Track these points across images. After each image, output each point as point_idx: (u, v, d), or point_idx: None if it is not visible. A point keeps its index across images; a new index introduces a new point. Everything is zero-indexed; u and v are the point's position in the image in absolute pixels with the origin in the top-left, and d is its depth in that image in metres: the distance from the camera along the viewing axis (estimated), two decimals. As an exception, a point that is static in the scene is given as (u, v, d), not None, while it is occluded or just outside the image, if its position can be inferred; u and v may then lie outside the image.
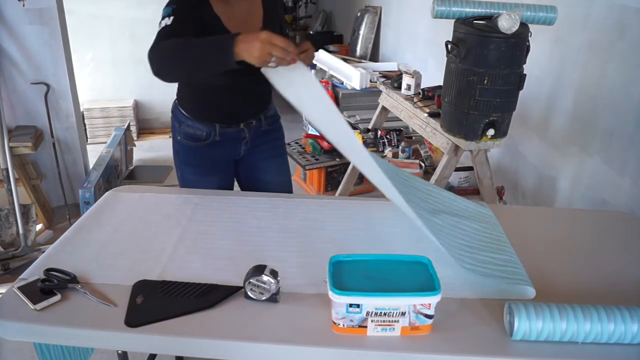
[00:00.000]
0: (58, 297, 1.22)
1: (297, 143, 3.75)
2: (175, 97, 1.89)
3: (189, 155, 1.87)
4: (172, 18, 1.49)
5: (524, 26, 2.06)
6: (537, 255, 1.48)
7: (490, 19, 2.08)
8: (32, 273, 1.31)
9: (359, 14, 5.51)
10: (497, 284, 1.29)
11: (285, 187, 2.01)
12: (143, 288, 1.27)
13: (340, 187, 3.42)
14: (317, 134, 3.76)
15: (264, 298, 1.21)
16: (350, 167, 3.33)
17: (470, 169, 2.77)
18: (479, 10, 2.12)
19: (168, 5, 1.56)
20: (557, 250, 1.52)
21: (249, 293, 1.21)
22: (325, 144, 3.63)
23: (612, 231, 1.66)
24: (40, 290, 1.23)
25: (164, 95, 4.85)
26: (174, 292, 1.25)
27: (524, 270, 1.34)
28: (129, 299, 1.23)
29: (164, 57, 1.46)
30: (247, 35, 1.32)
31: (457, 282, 1.33)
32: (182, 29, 1.49)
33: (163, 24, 1.51)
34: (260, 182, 1.96)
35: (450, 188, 2.78)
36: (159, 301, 1.23)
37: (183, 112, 1.84)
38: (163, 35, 1.49)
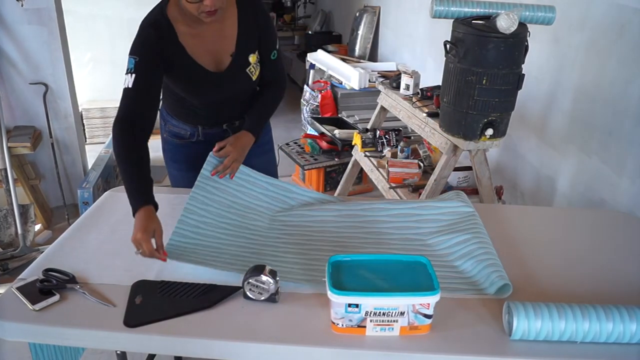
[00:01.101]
0: (57, 297, 1.22)
1: (295, 143, 3.75)
2: None
3: (174, 152, 1.91)
4: (133, 77, 1.51)
5: (522, 26, 2.06)
6: (535, 255, 1.48)
7: (489, 18, 2.09)
8: (31, 273, 1.31)
9: (357, 14, 5.51)
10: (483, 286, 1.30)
11: None
12: (142, 288, 1.27)
13: (339, 187, 3.42)
14: (316, 133, 3.76)
15: (262, 298, 1.21)
16: (349, 167, 3.33)
17: (469, 168, 2.77)
18: (478, 10, 2.12)
19: (130, 54, 1.55)
20: (555, 250, 1.52)
21: (247, 293, 1.22)
22: (324, 144, 3.63)
23: (610, 231, 1.66)
24: (39, 291, 1.23)
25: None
26: (172, 292, 1.25)
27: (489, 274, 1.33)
28: (128, 299, 1.23)
29: (119, 148, 1.48)
30: (138, 222, 1.33)
31: (456, 282, 1.33)
32: (144, 88, 1.53)
33: (126, 82, 1.52)
34: None
35: (449, 188, 2.78)
36: (158, 301, 1.23)
37: (167, 112, 1.86)
38: (126, 98, 1.52)
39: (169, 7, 1.61)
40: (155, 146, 4.90)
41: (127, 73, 1.53)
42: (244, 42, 1.68)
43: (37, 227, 3.13)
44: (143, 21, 1.63)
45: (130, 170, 1.43)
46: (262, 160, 1.97)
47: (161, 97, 1.85)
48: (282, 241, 1.49)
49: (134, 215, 1.35)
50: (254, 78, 1.72)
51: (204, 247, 1.42)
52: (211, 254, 1.39)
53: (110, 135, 3.74)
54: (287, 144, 3.72)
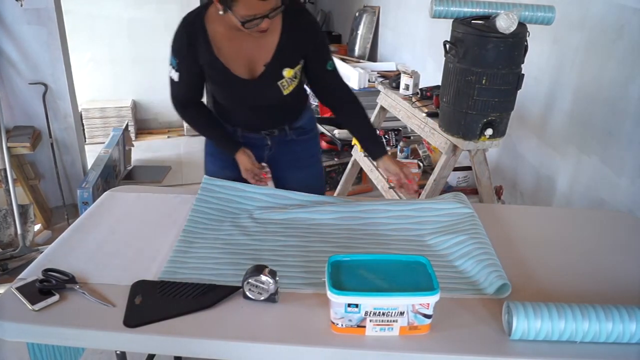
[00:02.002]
0: (56, 297, 1.22)
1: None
2: None
3: (214, 147, 1.93)
4: (177, 74, 1.67)
5: (522, 26, 2.06)
6: (535, 255, 1.48)
7: (489, 18, 2.09)
8: (31, 273, 1.31)
9: (357, 14, 5.51)
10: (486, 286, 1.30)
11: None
12: (141, 288, 1.27)
13: (339, 187, 3.42)
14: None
15: (262, 298, 1.21)
16: (348, 167, 3.33)
17: (468, 168, 2.77)
18: (477, 10, 2.12)
19: (171, 52, 1.66)
20: (555, 250, 1.52)
21: (247, 293, 1.21)
22: (323, 144, 3.63)
23: (610, 231, 1.66)
24: (38, 291, 1.23)
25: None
26: (172, 292, 1.25)
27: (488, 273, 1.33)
28: (128, 299, 1.23)
29: (189, 123, 1.89)
30: (243, 160, 1.76)
31: (456, 282, 1.33)
32: (189, 82, 1.71)
33: (171, 76, 1.69)
34: (287, 189, 1.90)
35: (449, 188, 2.78)
36: (158, 301, 1.23)
37: (212, 108, 1.88)
38: (174, 87, 1.73)
39: (210, 8, 1.60)
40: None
41: (170, 66, 1.68)
42: (282, 54, 1.65)
43: (37, 227, 3.13)
44: (179, 23, 1.66)
45: (210, 132, 1.84)
46: (308, 173, 1.98)
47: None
48: (280, 244, 1.48)
49: (233, 157, 1.76)
50: (284, 92, 1.70)
51: (201, 260, 1.40)
52: (210, 266, 1.38)
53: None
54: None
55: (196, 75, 1.69)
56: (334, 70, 1.75)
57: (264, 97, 1.73)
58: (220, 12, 1.49)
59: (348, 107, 1.79)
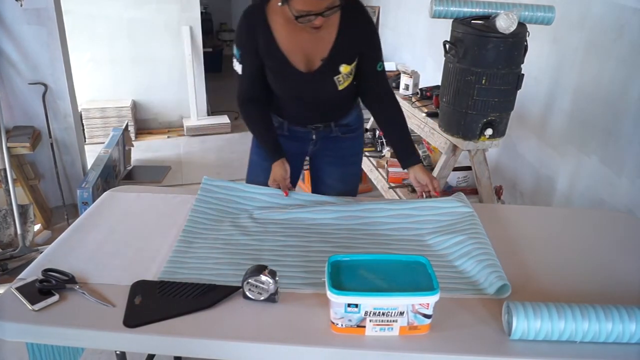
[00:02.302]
0: (56, 297, 1.22)
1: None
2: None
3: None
4: (241, 66, 1.71)
5: (521, 26, 2.06)
6: (535, 255, 1.48)
7: (488, 18, 2.09)
8: (30, 273, 1.31)
9: (357, 14, 5.51)
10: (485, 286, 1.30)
11: (344, 194, 1.98)
12: (141, 288, 1.27)
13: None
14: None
15: (262, 298, 1.21)
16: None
17: (468, 168, 2.78)
18: (477, 10, 2.12)
19: (235, 44, 1.71)
20: (555, 250, 1.52)
21: (247, 293, 1.21)
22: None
23: (609, 231, 1.66)
24: (38, 291, 1.23)
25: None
26: (172, 292, 1.25)
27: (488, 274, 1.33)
28: (128, 299, 1.23)
29: (245, 120, 1.82)
30: (275, 167, 1.74)
31: (456, 282, 1.33)
32: (251, 75, 1.74)
33: (236, 68, 1.74)
34: (323, 185, 2.00)
35: (449, 188, 2.78)
36: (157, 301, 1.23)
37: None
38: (240, 82, 1.77)
39: (271, 1, 1.63)
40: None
41: (234, 59, 1.72)
42: (339, 50, 1.67)
43: (37, 227, 3.12)
44: (242, 14, 1.69)
45: (261, 133, 1.80)
46: (346, 171, 2.00)
47: None
48: (280, 244, 1.48)
49: (272, 163, 1.74)
50: (340, 87, 1.72)
51: (201, 260, 1.40)
52: (209, 266, 1.38)
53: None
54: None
55: (258, 67, 1.71)
56: (383, 71, 1.77)
57: (319, 90, 1.75)
58: (279, 4, 1.52)
59: (389, 112, 1.80)
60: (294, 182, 1.95)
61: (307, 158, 2.01)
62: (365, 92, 1.82)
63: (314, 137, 1.89)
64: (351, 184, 2.02)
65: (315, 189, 2.03)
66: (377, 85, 1.78)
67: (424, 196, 1.73)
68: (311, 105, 1.81)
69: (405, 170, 1.78)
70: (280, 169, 1.72)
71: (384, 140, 3.40)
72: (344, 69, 1.68)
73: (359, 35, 1.68)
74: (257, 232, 1.54)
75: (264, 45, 1.66)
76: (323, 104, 1.81)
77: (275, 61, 1.68)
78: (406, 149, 1.78)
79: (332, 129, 1.88)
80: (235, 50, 1.71)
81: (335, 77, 1.69)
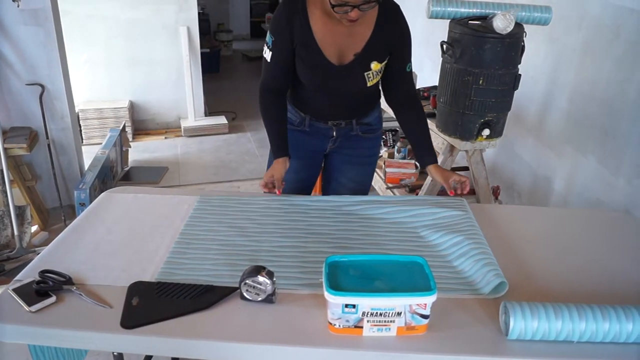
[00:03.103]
0: (53, 298, 1.21)
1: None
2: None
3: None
4: (270, 54, 1.71)
5: (518, 26, 2.06)
6: (532, 255, 1.48)
7: (485, 19, 2.09)
8: (27, 275, 1.31)
9: (354, 15, 5.51)
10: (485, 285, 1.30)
11: (356, 193, 1.99)
12: (139, 289, 1.27)
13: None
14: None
15: (259, 299, 1.21)
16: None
17: (465, 169, 2.78)
18: (474, 10, 2.12)
19: (269, 31, 1.70)
20: (552, 250, 1.53)
21: (244, 294, 1.21)
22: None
23: (607, 231, 1.66)
24: (35, 292, 1.23)
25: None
26: (169, 293, 1.25)
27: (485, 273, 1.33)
28: (125, 300, 1.23)
29: (261, 110, 1.81)
30: (275, 163, 1.74)
31: (453, 282, 1.33)
32: (280, 62, 1.72)
33: (265, 56, 1.74)
34: (336, 183, 2.01)
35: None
36: (155, 302, 1.22)
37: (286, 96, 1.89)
38: (266, 69, 1.76)
39: None
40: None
41: (266, 46, 1.72)
42: (373, 47, 1.68)
43: (34, 228, 3.12)
44: (282, 1, 1.70)
45: (273, 126, 1.79)
46: (361, 171, 2.01)
47: None
48: (278, 244, 1.48)
49: (275, 158, 1.74)
50: (369, 84, 1.73)
51: (198, 262, 1.40)
52: (207, 267, 1.38)
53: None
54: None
55: (288, 57, 1.70)
56: (411, 72, 1.80)
57: (348, 85, 1.75)
58: None
59: (411, 112, 1.82)
60: (312, 179, 2.00)
61: None
62: (391, 91, 1.83)
63: (334, 134, 1.89)
64: (364, 184, 2.04)
65: (327, 187, 2.04)
66: (403, 86, 1.80)
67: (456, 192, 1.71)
68: (337, 99, 1.81)
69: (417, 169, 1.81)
70: (281, 167, 1.73)
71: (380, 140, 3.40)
72: (375, 66, 1.69)
73: (394, 35, 1.70)
74: (254, 232, 1.54)
75: (300, 35, 1.66)
76: (349, 99, 1.83)
77: (309, 51, 1.68)
78: (423, 149, 1.79)
79: (353, 126, 1.88)
80: (268, 37, 1.70)
81: (365, 73, 1.70)
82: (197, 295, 1.25)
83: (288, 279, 1.32)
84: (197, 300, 1.23)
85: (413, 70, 1.85)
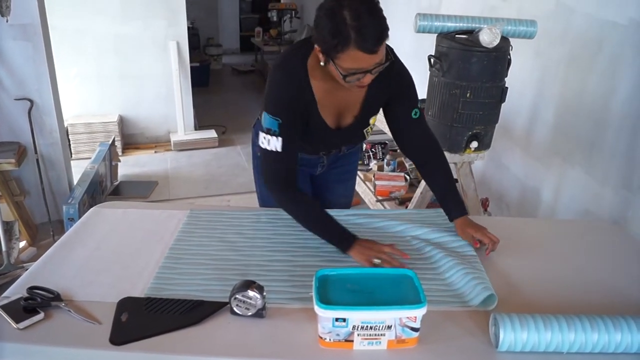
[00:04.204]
0: (41, 315, 1.20)
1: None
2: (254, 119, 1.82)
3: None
4: (280, 140, 1.46)
5: (505, 40, 2.09)
6: (521, 266, 1.49)
7: (472, 33, 2.12)
8: (15, 291, 1.30)
9: (343, 29, 5.55)
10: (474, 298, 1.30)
11: (343, 207, 2.00)
12: (128, 305, 1.26)
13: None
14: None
15: (250, 313, 1.21)
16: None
17: (454, 181, 2.79)
18: (461, 24, 2.15)
19: (273, 114, 1.45)
20: (541, 261, 1.54)
21: (234, 309, 1.21)
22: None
23: (594, 241, 1.68)
24: (23, 309, 1.21)
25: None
26: (159, 309, 1.24)
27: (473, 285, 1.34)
28: (114, 316, 1.22)
29: (293, 215, 1.55)
30: (362, 245, 1.44)
31: (444, 295, 1.34)
32: (292, 146, 1.49)
33: (272, 145, 1.47)
34: (324, 201, 1.95)
35: (435, 201, 2.80)
36: (144, 318, 1.22)
37: None
38: (277, 162, 1.49)
39: (310, 58, 1.48)
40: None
41: (270, 134, 1.46)
42: (370, 105, 1.60)
43: (22, 244, 3.09)
44: (282, 71, 1.50)
45: (322, 224, 1.52)
46: (346, 186, 2.02)
47: (258, 117, 1.75)
48: (267, 259, 1.48)
49: (346, 251, 1.46)
50: (367, 137, 1.71)
51: (188, 277, 1.39)
52: (197, 282, 1.37)
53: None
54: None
55: (298, 133, 1.52)
56: (420, 118, 1.63)
57: (347, 142, 1.75)
58: (322, 63, 1.39)
59: (432, 163, 1.67)
60: None
61: None
62: (404, 144, 1.69)
63: (324, 161, 1.84)
64: (350, 196, 2.05)
65: None
66: (416, 136, 1.65)
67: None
68: (333, 148, 1.78)
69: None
70: (365, 250, 1.44)
71: (370, 153, 3.41)
72: (372, 120, 1.64)
73: (389, 87, 1.57)
74: (244, 247, 1.54)
75: (305, 106, 1.51)
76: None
77: (311, 120, 1.55)
78: (450, 200, 1.63)
79: (342, 149, 1.82)
80: (270, 121, 1.46)
81: (364, 130, 1.65)
82: (186, 310, 1.24)
83: (278, 293, 1.31)
84: (186, 316, 1.22)
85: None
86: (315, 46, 1.37)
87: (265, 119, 1.47)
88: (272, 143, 1.47)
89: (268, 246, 1.54)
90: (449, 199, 1.63)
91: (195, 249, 1.52)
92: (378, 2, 1.34)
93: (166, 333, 1.17)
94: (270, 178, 1.54)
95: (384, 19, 1.32)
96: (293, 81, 1.48)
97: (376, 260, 1.39)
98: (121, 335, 1.16)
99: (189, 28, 4.93)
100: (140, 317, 1.22)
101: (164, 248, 1.52)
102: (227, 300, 1.22)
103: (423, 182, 2.43)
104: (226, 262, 1.46)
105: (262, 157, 1.53)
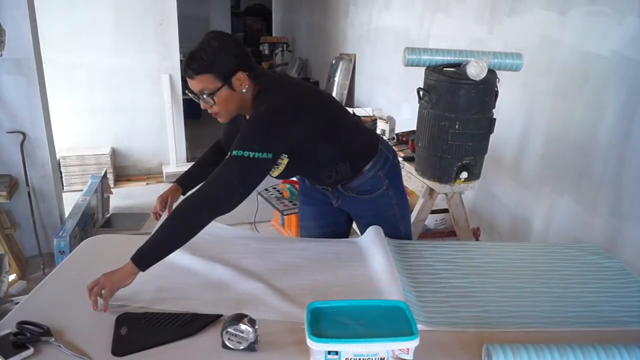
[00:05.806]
0: (31, 351, 1.19)
1: (274, 189, 3.76)
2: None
3: (304, 184, 1.99)
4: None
5: (491, 72, 2.14)
6: (514, 292, 1.50)
7: (459, 66, 2.16)
8: (4, 326, 1.28)
9: (334, 61, 5.64)
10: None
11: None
12: (127, 320, 1.31)
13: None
14: (295, 179, 3.78)
15: (242, 347, 1.20)
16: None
17: (445, 211, 2.81)
18: (448, 58, 2.20)
19: (269, 147, 1.51)
20: (530, 286, 1.54)
21: (226, 342, 1.20)
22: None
23: (585, 268, 1.68)
24: (12, 344, 1.20)
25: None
26: (156, 322, 1.30)
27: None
28: (114, 330, 1.26)
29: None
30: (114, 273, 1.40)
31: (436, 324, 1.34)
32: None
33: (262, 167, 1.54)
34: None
35: (427, 230, 2.81)
36: (143, 331, 1.27)
37: None
38: (258, 177, 1.57)
39: None
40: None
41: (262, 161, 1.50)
42: None
43: (11, 277, 3.05)
44: (286, 101, 1.60)
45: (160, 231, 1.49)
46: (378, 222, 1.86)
47: None
48: (260, 291, 1.48)
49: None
50: (273, 175, 1.72)
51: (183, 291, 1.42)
52: (192, 296, 1.40)
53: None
54: (266, 190, 3.73)
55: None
56: (234, 158, 1.52)
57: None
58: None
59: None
60: (334, 227, 1.99)
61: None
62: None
63: (330, 196, 1.87)
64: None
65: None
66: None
67: None
68: (317, 183, 1.87)
69: None
70: (166, 192, 1.87)
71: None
72: (284, 160, 1.68)
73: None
74: (237, 275, 1.54)
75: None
76: (307, 179, 1.92)
77: None
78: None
79: (342, 193, 1.81)
80: (263, 154, 1.49)
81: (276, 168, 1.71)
82: (183, 323, 1.30)
83: (270, 326, 1.31)
84: (183, 328, 1.28)
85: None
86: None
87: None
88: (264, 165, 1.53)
89: (261, 277, 1.54)
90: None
91: (185, 280, 1.52)
92: (217, 37, 1.53)
93: (164, 344, 1.22)
94: (252, 187, 1.53)
95: (201, 50, 1.51)
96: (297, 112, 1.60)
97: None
98: (122, 347, 1.20)
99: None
100: (138, 330, 1.27)
101: (156, 284, 1.51)
102: (221, 313, 1.30)
103: (414, 213, 2.44)
104: (219, 292, 1.46)
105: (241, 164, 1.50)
